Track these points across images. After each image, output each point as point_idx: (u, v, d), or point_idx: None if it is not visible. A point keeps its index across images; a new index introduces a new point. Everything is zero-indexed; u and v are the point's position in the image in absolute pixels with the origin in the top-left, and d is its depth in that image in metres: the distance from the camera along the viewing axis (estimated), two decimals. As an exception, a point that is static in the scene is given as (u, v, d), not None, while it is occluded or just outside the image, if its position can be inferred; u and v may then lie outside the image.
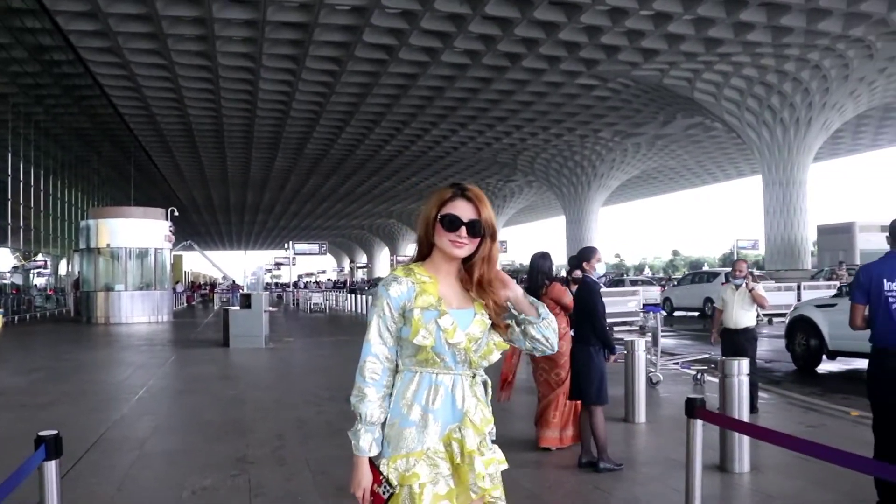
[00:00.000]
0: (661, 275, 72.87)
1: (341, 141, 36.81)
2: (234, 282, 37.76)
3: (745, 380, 5.11)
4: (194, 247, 39.04)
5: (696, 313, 25.47)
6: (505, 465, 2.06)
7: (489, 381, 2.12)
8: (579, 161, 40.34)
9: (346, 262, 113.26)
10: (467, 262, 2.04)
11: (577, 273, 7.81)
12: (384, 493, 1.94)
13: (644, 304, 13.18)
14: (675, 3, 20.87)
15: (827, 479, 4.72)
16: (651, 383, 8.33)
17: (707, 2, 20.76)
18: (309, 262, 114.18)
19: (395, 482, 1.95)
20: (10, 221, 30.44)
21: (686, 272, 38.67)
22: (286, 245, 38.59)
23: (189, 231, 78.09)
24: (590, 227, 43.14)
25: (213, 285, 55.57)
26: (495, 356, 2.07)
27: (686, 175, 51.81)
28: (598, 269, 5.76)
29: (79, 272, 28.18)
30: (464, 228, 1.97)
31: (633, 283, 26.93)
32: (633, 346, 7.01)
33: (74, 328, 21.71)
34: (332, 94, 28.29)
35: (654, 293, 26.64)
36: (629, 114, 32.47)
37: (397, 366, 2.05)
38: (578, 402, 5.44)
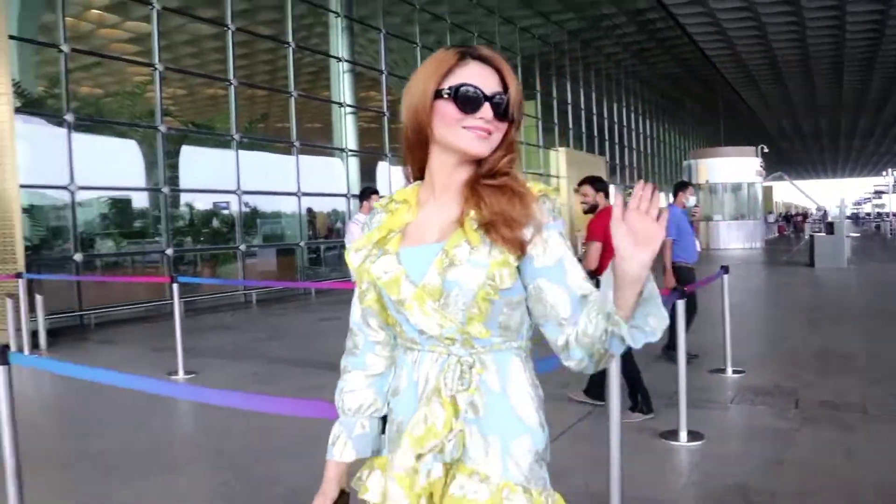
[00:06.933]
0: None
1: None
2: (825, 211, 38.88)
3: None
4: (784, 177, 41.36)
5: None
6: None
7: (481, 365, 1.22)
8: None
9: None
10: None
11: None
12: None
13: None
14: None
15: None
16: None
17: None
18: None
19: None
20: (623, 162, 37.93)
21: None
22: (884, 173, 37.84)
23: (779, 161, 79.29)
24: None
25: (804, 215, 56.56)
26: (478, 324, 1.20)
27: None
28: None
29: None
30: (488, 106, 1.20)
31: None
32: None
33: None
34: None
35: None
36: None
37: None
38: None
